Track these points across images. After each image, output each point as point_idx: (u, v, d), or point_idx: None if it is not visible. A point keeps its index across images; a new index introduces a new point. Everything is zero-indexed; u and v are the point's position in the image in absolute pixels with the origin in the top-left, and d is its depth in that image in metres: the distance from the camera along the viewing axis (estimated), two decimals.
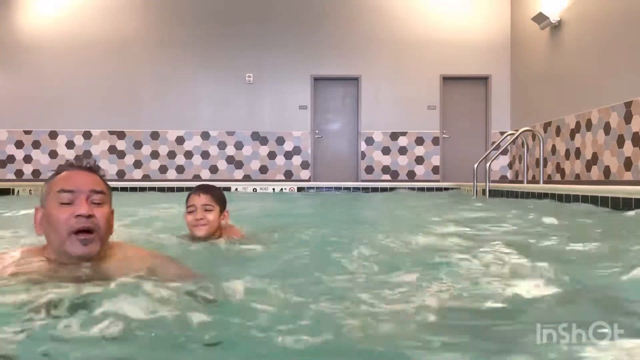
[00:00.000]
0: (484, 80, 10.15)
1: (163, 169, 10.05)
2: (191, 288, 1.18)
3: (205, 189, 2.25)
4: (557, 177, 8.27)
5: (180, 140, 10.06)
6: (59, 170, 1.37)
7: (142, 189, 8.15)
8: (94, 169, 1.39)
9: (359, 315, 1.05)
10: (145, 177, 9.96)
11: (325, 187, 8.63)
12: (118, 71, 9.96)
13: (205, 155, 10.08)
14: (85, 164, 1.38)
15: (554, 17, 8.11)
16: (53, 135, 9.98)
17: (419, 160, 10.10)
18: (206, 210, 2.19)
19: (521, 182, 7.74)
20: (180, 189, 8.06)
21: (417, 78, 10.03)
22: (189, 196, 2.25)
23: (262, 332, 0.91)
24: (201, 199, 2.20)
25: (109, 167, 10.02)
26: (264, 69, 10.02)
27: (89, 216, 1.29)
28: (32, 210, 1.37)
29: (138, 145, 10.04)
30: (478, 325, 1.01)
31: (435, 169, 10.10)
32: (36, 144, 9.98)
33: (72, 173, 1.35)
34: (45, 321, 0.98)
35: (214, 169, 10.08)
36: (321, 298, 1.16)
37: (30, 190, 7.25)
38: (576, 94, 7.70)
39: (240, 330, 0.94)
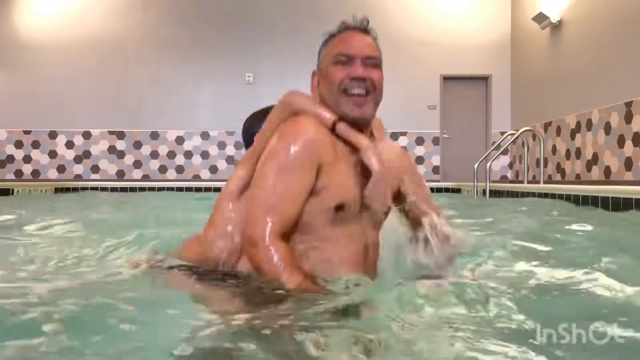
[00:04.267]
0: (484, 80, 10.15)
1: (163, 169, 10.05)
2: None
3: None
4: (558, 177, 8.26)
5: (180, 140, 10.06)
6: (334, 33, 1.40)
7: (142, 189, 8.15)
8: (368, 30, 1.41)
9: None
10: (145, 177, 9.95)
11: None
12: (118, 71, 9.96)
13: (205, 155, 10.07)
14: (360, 24, 1.40)
15: (554, 17, 8.10)
16: (52, 135, 9.98)
17: (419, 160, 10.09)
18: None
19: (521, 182, 7.74)
20: (180, 189, 8.06)
21: (417, 78, 10.02)
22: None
23: None
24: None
25: (108, 167, 10.01)
26: (264, 69, 10.02)
27: (364, 79, 1.31)
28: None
29: (138, 145, 10.04)
30: (477, 324, 1.00)
31: (436, 169, 10.09)
32: (36, 144, 9.98)
33: (350, 36, 1.37)
34: None
35: (213, 169, 10.07)
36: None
37: (30, 190, 7.24)
38: (576, 94, 7.69)
39: None
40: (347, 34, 1.38)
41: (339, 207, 1.30)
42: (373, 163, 1.30)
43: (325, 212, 1.29)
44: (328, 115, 1.32)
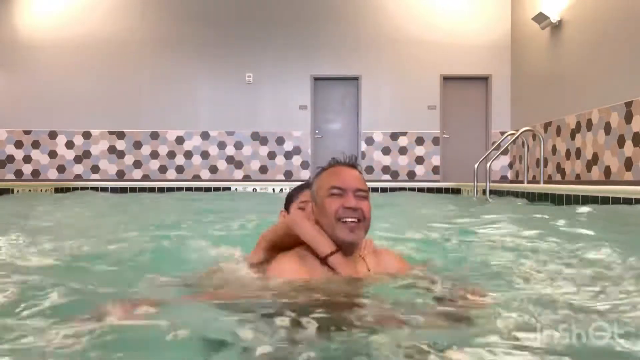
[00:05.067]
0: (484, 80, 10.15)
1: (163, 169, 10.05)
2: None
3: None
4: (558, 177, 8.26)
5: (180, 140, 10.06)
6: (325, 167, 1.58)
7: (142, 189, 8.15)
8: (356, 165, 1.59)
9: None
10: (145, 177, 9.95)
11: None
12: (118, 71, 9.96)
13: (205, 155, 10.07)
14: (349, 160, 1.58)
15: (554, 17, 8.11)
16: (53, 135, 9.98)
17: (419, 160, 10.09)
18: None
19: (521, 182, 7.74)
20: (180, 189, 8.06)
21: (417, 78, 10.02)
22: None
23: None
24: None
25: (108, 167, 10.01)
26: (264, 69, 10.02)
27: (356, 210, 1.47)
28: None
29: (138, 145, 10.04)
30: (476, 324, 1.00)
31: (436, 169, 10.09)
32: (36, 144, 9.98)
33: (341, 170, 1.54)
34: None
35: (213, 169, 10.07)
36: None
37: (30, 190, 7.24)
38: (576, 94, 7.70)
39: None
40: (338, 167, 1.56)
41: None
42: None
43: None
44: (327, 247, 1.47)
